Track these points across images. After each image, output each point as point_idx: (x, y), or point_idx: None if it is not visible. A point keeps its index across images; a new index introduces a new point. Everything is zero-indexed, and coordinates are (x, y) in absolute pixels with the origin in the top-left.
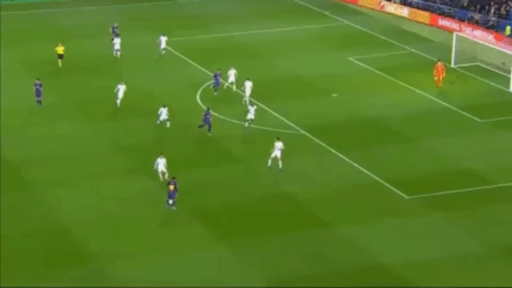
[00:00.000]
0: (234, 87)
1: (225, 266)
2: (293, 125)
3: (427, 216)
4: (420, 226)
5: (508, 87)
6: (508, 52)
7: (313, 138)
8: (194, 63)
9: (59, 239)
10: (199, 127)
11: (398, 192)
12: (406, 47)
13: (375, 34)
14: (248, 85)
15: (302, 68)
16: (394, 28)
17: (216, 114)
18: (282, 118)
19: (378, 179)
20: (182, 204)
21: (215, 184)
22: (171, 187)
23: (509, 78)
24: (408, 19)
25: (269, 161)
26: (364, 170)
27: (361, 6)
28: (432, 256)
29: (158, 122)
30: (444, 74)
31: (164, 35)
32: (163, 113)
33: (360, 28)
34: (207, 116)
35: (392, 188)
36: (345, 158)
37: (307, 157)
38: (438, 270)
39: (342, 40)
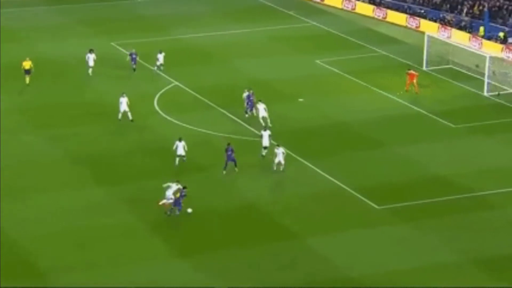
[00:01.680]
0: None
1: (188, 280)
2: (258, 132)
3: (398, 226)
4: (392, 236)
5: (483, 91)
6: (482, 54)
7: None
8: (152, 67)
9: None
10: (224, 168)
11: (369, 202)
12: (376, 49)
13: (343, 35)
14: (261, 107)
15: (267, 72)
16: (363, 29)
17: (172, 120)
18: (245, 124)
19: (348, 188)
20: (143, 215)
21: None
22: (177, 195)
23: (483, 81)
24: (377, 19)
25: (274, 166)
26: (333, 179)
27: (328, 6)
28: (404, 267)
29: (120, 115)
30: (415, 81)
31: (161, 52)
32: (123, 103)
33: (328, 29)
34: (229, 153)
35: (362, 197)
36: (313, 167)
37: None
38: (410, 280)
39: (308, 42)
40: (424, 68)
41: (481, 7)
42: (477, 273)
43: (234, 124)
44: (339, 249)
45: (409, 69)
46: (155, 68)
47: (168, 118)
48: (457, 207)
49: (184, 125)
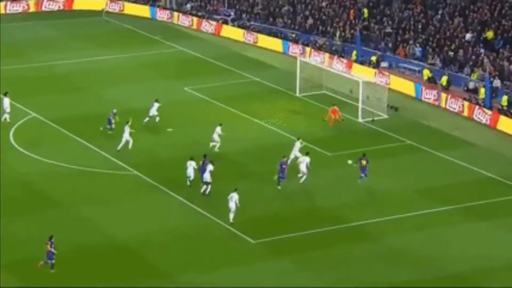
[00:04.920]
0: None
1: None
2: (123, 165)
3: (274, 261)
4: (268, 272)
5: (357, 117)
6: (355, 78)
7: (145, 178)
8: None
9: None
10: (278, 184)
11: (243, 236)
12: (247, 74)
13: (212, 60)
14: (297, 146)
15: (133, 100)
16: (233, 54)
17: (30, 154)
18: (110, 157)
19: (220, 222)
20: None
21: (30, 236)
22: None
23: (357, 107)
24: (248, 44)
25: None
26: (204, 212)
27: (196, 30)
28: None
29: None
30: (337, 116)
31: (157, 102)
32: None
33: (197, 54)
34: (283, 167)
35: (236, 231)
36: (184, 200)
37: (140, 199)
38: None
39: (176, 68)
40: (297, 94)
41: (352, 31)
42: None
43: (98, 156)
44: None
45: (333, 105)
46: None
47: (26, 152)
48: (334, 239)
49: (43, 159)
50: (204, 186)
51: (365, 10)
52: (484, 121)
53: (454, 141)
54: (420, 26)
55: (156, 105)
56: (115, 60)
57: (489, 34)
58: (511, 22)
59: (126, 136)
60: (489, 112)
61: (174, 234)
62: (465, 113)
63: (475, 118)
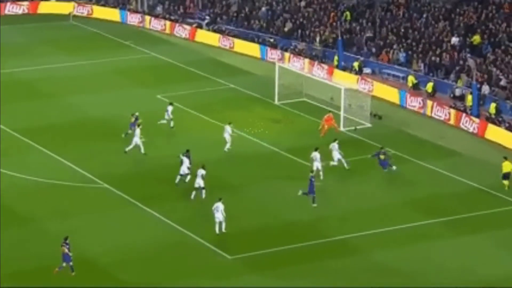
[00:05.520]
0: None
1: None
2: (93, 178)
3: (251, 277)
4: None
5: (339, 125)
6: (337, 86)
7: (116, 191)
8: None
9: None
10: (314, 199)
11: (219, 251)
12: (223, 81)
13: (186, 67)
14: (335, 147)
15: (103, 109)
16: (208, 59)
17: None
18: (78, 169)
19: (195, 237)
20: None
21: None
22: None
23: (339, 115)
24: (224, 49)
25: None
26: (177, 226)
27: (169, 34)
28: None
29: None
30: (331, 125)
31: (171, 105)
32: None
33: (170, 60)
34: (312, 180)
35: (212, 247)
36: (157, 214)
37: (110, 213)
38: None
39: (148, 75)
40: (275, 102)
41: (334, 36)
42: None
43: (66, 168)
44: None
45: (328, 113)
46: None
47: None
48: (316, 253)
49: (8, 172)
50: (194, 192)
51: (348, 13)
52: (471, 129)
53: (440, 150)
54: (402, 30)
55: (170, 108)
56: (84, 67)
57: (476, 39)
58: (498, 25)
59: (136, 139)
60: (477, 120)
61: (147, 250)
62: (452, 121)
63: (462, 126)
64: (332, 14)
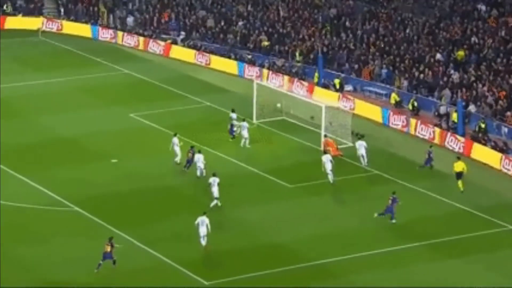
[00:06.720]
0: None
1: None
2: (63, 200)
3: None
4: None
5: (319, 144)
6: (318, 104)
7: (87, 214)
8: None
9: None
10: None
11: (196, 277)
12: (199, 99)
13: (161, 84)
14: (363, 145)
15: (73, 128)
16: (184, 76)
17: None
18: (47, 191)
19: (170, 262)
20: None
21: None
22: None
23: (319, 134)
24: (200, 65)
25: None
26: (152, 251)
27: (142, 50)
28: None
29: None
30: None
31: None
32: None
33: (143, 77)
34: (394, 199)
35: (187, 272)
36: (130, 238)
37: (79, 239)
38: None
39: (121, 93)
40: (254, 120)
41: (314, 51)
42: None
43: (34, 191)
44: None
45: (325, 136)
46: None
47: None
48: (295, 278)
49: None
50: (215, 201)
51: (328, 27)
52: (456, 149)
53: (425, 171)
54: (382, 46)
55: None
56: (54, 84)
57: (460, 54)
58: (483, 40)
59: (177, 149)
60: (462, 139)
61: (119, 276)
62: (436, 140)
63: (447, 145)
64: (312, 28)
